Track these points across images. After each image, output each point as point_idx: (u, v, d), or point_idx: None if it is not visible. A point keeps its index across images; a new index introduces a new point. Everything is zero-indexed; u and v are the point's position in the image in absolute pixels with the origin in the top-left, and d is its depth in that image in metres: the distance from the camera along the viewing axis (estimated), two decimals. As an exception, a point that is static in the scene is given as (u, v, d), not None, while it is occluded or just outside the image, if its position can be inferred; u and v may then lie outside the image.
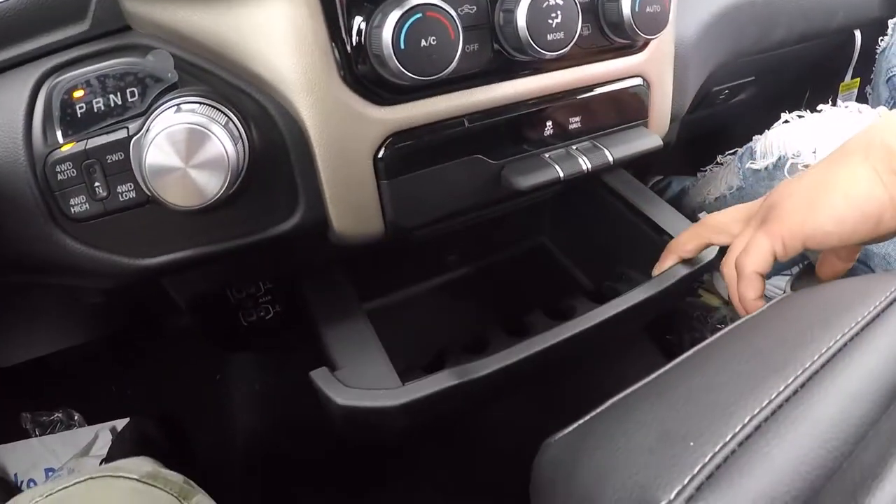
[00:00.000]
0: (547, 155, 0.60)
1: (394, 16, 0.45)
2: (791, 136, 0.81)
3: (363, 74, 0.49)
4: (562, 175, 0.58)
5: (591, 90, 0.61)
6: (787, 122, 0.84)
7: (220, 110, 0.46)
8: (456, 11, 0.47)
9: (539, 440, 0.43)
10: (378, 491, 0.89)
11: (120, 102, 0.47)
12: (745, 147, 0.90)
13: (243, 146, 0.47)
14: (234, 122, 0.47)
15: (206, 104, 0.46)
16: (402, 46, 0.45)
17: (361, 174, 0.52)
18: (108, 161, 0.46)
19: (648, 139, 0.65)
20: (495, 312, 0.90)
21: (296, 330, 0.86)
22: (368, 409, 0.52)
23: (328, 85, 0.48)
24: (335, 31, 0.47)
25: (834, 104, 0.82)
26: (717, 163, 0.98)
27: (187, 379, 1.12)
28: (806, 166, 0.77)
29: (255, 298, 0.79)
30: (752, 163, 0.86)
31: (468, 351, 0.68)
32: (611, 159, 0.60)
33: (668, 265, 0.66)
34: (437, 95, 0.52)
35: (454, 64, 0.47)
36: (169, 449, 1.01)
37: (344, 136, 0.50)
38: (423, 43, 0.45)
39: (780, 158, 0.81)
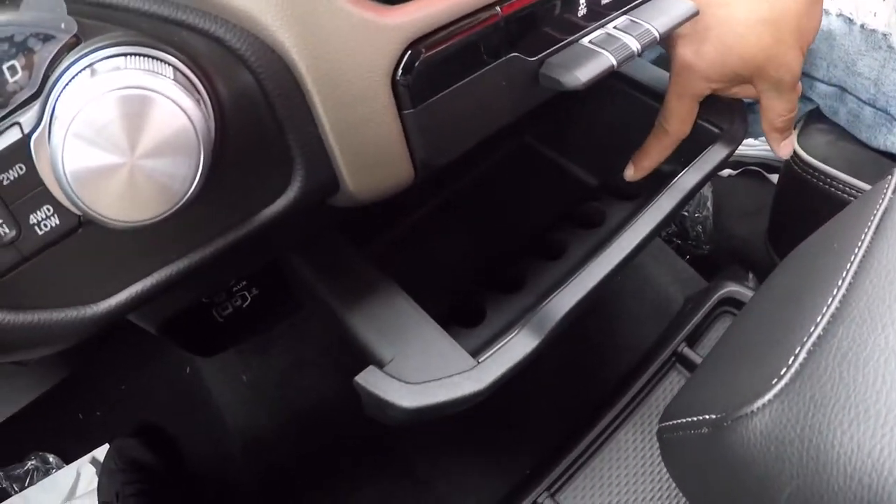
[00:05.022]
0: (587, 41, 0.47)
1: None
2: None
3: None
4: (615, 62, 0.45)
5: None
6: None
7: (158, 59, 0.29)
8: None
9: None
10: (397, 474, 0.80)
11: None
12: None
13: (205, 105, 0.30)
14: (182, 73, 0.30)
15: (136, 54, 0.28)
16: None
17: (378, 107, 0.36)
18: (5, 183, 0.28)
19: (682, 5, 0.52)
20: (504, 232, 0.77)
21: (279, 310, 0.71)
22: (446, 403, 0.41)
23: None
24: None
25: None
26: None
27: (157, 382, 0.96)
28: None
29: (229, 288, 0.63)
30: None
31: (499, 288, 0.58)
32: (657, 34, 0.49)
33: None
34: (460, -24, 0.36)
35: None
36: (161, 468, 0.87)
37: (349, 60, 0.33)
38: None
39: None
